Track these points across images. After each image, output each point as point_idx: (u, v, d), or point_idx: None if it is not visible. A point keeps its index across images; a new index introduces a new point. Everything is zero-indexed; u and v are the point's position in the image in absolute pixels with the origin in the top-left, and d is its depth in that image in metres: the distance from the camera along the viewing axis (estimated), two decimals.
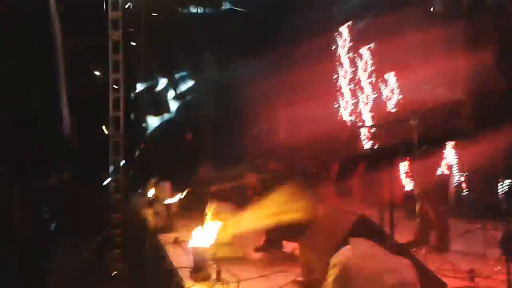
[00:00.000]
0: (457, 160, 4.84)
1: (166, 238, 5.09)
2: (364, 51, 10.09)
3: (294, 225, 4.26)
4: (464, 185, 6.82)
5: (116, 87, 9.53)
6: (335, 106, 10.67)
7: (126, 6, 9.66)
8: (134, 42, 10.09)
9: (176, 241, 4.85)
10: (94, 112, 9.46)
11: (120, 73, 9.56)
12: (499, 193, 3.25)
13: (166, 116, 11.88)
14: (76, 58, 9.57)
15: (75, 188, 8.99)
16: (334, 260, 2.29)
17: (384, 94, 8.66)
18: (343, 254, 2.28)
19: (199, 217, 5.34)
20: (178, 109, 11.69)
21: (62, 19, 5.56)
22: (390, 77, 8.68)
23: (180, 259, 4.08)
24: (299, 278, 3.20)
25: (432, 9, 9.26)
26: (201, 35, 11.31)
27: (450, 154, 5.96)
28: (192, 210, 6.17)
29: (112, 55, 9.52)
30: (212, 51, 12.11)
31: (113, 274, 7.80)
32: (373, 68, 9.68)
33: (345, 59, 10.84)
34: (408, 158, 4.68)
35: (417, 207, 4.56)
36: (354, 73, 10.46)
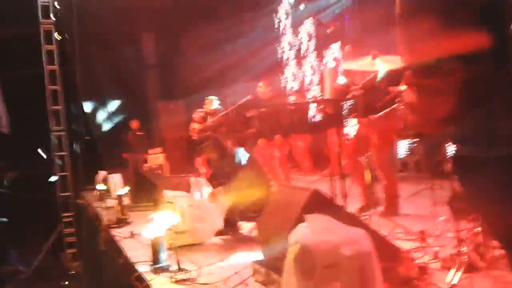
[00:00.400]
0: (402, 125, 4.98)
1: (120, 232, 4.96)
2: (308, 22, 10.15)
3: (250, 205, 4.30)
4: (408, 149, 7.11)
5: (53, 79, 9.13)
6: (281, 78, 10.76)
7: None
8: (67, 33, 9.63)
9: (132, 235, 4.74)
10: (33, 106, 9.03)
11: (56, 65, 9.15)
12: (445, 155, 3.36)
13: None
14: (7, 50, 9.06)
15: (22, 187, 8.61)
16: (291, 238, 2.30)
17: (328, 65, 8.79)
18: (300, 232, 2.29)
19: (153, 207, 5.28)
20: None
21: None
22: (334, 47, 8.78)
23: (138, 253, 3.99)
24: (259, 258, 3.21)
25: None
26: None
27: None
28: (144, 201, 6.07)
29: (45, 45, 9.08)
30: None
31: (69, 274, 7.61)
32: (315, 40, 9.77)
33: (288, 31, 10.85)
34: (356, 126, 4.76)
35: (366, 173, 4.62)
36: (299, 45, 10.51)
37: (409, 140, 6.51)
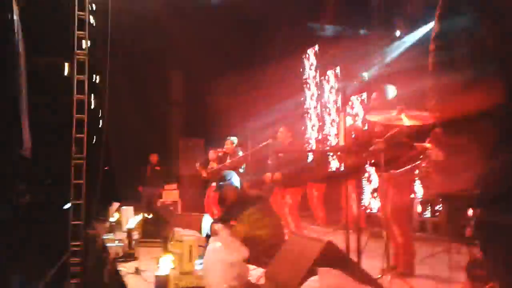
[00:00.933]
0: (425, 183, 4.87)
1: (126, 267, 4.85)
2: (330, 74, 10.28)
3: (264, 248, 4.17)
4: (428, 209, 6.93)
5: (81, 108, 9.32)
6: (302, 128, 10.81)
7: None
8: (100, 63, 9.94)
9: (137, 271, 4.63)
10: (56, 133, 9.19)
11: (85, 95, 9.36)
12: (466, 219, 3.25)
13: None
14: (39, 77, 9.35)
15: (34, 212, 8.63)
16: None
17: (350, 117, 8.79)
18: (310, 286, 2.20)
19: (163, 244, 5.17)
20: None
21: (25, 35, 5.37)
22: (355, 100, 8.82)
23: None
24: None
25: (397, 34, 9.58)
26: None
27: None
28: (154, 237, 5.97)
29: (76, 75, 9.33)
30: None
31: None
32: (338, 90, 9.85)
33: (312, 81, 11.00)
34: (376, 179, 4.68)
35: (385, 231, 4.52)
36: (320, 95, 10.61)
37: (430, 199, 6.35)
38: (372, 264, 4.55)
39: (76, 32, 9.23)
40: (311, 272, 2.44)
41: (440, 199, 5.48)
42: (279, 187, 6.68)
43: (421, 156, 4.09)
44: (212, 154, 9.04)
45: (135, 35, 10.82)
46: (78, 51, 9.34)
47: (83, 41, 9.25)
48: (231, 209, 4.94)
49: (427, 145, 3.93)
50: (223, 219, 4.93)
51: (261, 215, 4.39)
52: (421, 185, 6.29)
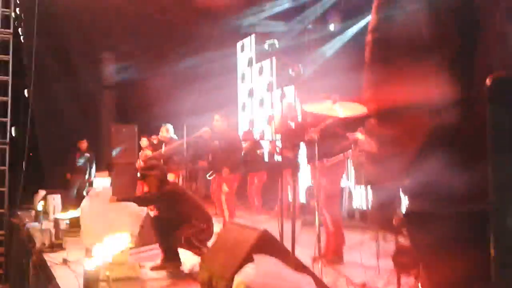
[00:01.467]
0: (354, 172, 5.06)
1: (53, 257, 4.66)
2: (265, 64, 10.35)
3: (190, 232, 4.22)
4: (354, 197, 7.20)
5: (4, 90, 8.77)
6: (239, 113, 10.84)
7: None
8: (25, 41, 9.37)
9: (65, 262, 4.46)
10: None
11: (9, 76, 8.81)
12: (394, 208, 3.40)
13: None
14: None
15: None
16: (237, 279, 2.21)
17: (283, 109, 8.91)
18: (247, 273, 2.22)
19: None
20: None
21: None
22: (289, 90, 8.96)
23: (67, 282, 3.74)
24: None
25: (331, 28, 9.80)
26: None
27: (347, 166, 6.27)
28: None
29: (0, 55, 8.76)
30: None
31: None
32: (272, 81, 9.96)
33: (246, 72, 11.04)
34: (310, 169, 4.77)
35: (317, 219, 4.61)
36: (254, 86, 10.68)
37: (360, 187, 6.60)
38: (304, 252, 4.68)
39: (0, 10, 8.64)
40: (247, 260, 2.47)
41: (371, 188, 5.70)
42: (217, 174, 6.65)
43: (352, 146, 4.23)
44: (144, 141, 8.82)
45: (65, 13, 10.27)
46: (2, 30, 8.76)
47: (10, 19, 8.70)
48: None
49: (359, 135, 4.07)
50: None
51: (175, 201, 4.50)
52: (353, 174, 6.51)
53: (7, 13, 8.90)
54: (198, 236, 4.20)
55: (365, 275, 3.84)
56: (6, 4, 8.85)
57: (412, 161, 1.22)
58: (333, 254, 4.67)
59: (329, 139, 4.28)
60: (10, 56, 8.90)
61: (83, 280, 3.25)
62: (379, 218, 4.92)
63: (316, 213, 4.11)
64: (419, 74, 1.13)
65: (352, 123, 4.38)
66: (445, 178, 1.14)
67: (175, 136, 7.72)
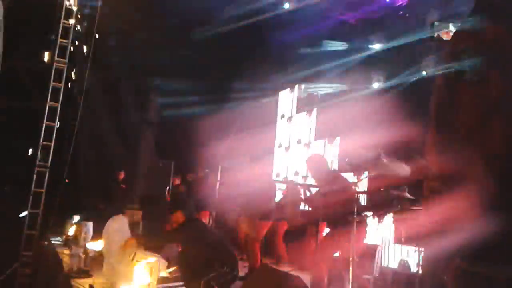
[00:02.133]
0: (394, 232, 4.91)
1: (80, 283, 4.68)
2: (302, 118, 10.43)
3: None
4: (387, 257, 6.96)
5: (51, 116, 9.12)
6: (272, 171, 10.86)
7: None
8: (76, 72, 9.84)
9: None
10: (22, 139, 8.93)
11: (59, 103, 9.17)
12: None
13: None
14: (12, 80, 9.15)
15: None
16: None
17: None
18: None
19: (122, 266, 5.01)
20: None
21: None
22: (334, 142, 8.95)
23: None
24: None
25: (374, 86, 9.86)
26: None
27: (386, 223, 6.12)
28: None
29: (53, 82, 9.16)
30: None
31: None
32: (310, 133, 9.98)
33: (284, 125, 11.13)
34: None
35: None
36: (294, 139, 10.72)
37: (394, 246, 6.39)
38: None
39: (59, 40, 9.12)
40: None
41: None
42: (247, 220, 6.61)
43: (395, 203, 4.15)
44: (177, 180, 8.96)
45: (118, 48, 10.79)
46: (58, 59, 9.21)
47: (67, 50, 9.15)
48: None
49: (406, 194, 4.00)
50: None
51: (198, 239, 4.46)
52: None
53: (64, 44, 9.36)
54: (219, 279, 4.14)
55: None
56: (65, 35, 9.32)
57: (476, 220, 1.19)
58: None
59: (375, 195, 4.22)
60: (62, 85, 9.29)
61: None
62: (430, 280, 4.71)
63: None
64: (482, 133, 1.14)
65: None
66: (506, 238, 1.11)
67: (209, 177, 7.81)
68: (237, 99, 11.21)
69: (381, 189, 4.34)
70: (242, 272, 5.22)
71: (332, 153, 8.69)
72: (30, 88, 9.82)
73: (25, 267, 8.10)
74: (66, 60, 9.35)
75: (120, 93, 11.65)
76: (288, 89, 11.07)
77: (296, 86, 10.82)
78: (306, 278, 4.07)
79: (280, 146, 10.90)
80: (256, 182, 6.67)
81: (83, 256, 5.34)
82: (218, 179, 7.80)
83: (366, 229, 4.68)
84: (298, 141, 10.29)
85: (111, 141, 11.37)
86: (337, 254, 4.81)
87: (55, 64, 9.18)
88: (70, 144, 9.56)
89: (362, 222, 4.37)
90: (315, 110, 9.96)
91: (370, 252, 6.33)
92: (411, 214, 4.47)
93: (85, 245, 5.70)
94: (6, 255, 7.94)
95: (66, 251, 6.36)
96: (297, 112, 10.67)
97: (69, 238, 6.77)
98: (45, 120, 8.98)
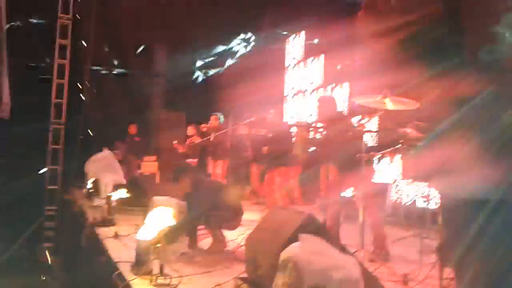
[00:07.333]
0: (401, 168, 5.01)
1: (105, 232, 4.91)
2: (312, 63, 10.33)
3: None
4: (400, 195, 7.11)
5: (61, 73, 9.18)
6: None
7: None
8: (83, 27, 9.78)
9: (116, 236, 4.70)
10: (36, 96, 9.02)
11: (67, 59, 9.19)
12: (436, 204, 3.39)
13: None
14: (19, 38, 9.13)
15: (8, 174, 8.50)
16: (283, 255, 2.30)
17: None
18: (293, 250, 2.30)
19: (141, 212, 5.23)
20: None
21: None
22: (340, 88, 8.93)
23: (120, 254, 3.95)
24: (243, 275, 3.19)
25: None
26: None
27: (395, 162, 6.22)
28: (133, 205, 6.02)
29: (59, 39, 9.14)
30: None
31: (44, 269, 7.43)
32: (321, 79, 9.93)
33: (293, 70, 11.04)
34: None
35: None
36: (301, 84, 10.67)
37: (405, 183, 6.52)
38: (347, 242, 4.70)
39: None
40: (293, 239, 2.55)
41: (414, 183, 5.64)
42: (270, 168, 6.69)
43: (401, 141, 4.21)
44: (190, 130, 9.03)
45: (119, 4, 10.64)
46: (62, 15, 9.14)
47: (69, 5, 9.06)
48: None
49: (408, 130, 4.04)
50: None
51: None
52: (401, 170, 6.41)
53: None
54: (219, 220, 4.35)
55: (407, 268, 3.85)
56: None
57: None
58: (377, 247, 4.63)
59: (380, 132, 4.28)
60: (69, 41, 9.26)
61: (136, 251, 3.43)
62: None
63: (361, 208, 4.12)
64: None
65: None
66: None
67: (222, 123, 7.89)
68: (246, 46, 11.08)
69: (388, 127, 4.39)
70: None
71: (341, 98, 8.68)
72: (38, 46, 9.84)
73: (49, 220, 8.45)
74: (70, 15, 9.27)
75: (125, 47, 11.61)
76: (296, 35, 10.92)
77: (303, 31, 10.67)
78: (320, 219, 4.23)
79: (293, 90, 10.85)
80: (273, 129, 6.71)
81: (106, 206, 5.56)
82: (232, 127, 7.88)
83: (374, 168, 4.77)
84: (309, 86, 10.27)
85: (119, 95, 11.46)
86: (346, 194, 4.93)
87: (59, 21, 9.13)
88: (82, 101, 9.69)
89: (370, 161, 4.45)
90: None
91: (382, 190, 6.48)
92: (418, 152, 4.53)
93: (106, 195, 5.91)
94: (31, 210, 8.28)
95: (89, 203, 6.63)
96: (306, 57, 10.57)
97: (90, 190, 7.00)
98: (55, 78, 9.06)
